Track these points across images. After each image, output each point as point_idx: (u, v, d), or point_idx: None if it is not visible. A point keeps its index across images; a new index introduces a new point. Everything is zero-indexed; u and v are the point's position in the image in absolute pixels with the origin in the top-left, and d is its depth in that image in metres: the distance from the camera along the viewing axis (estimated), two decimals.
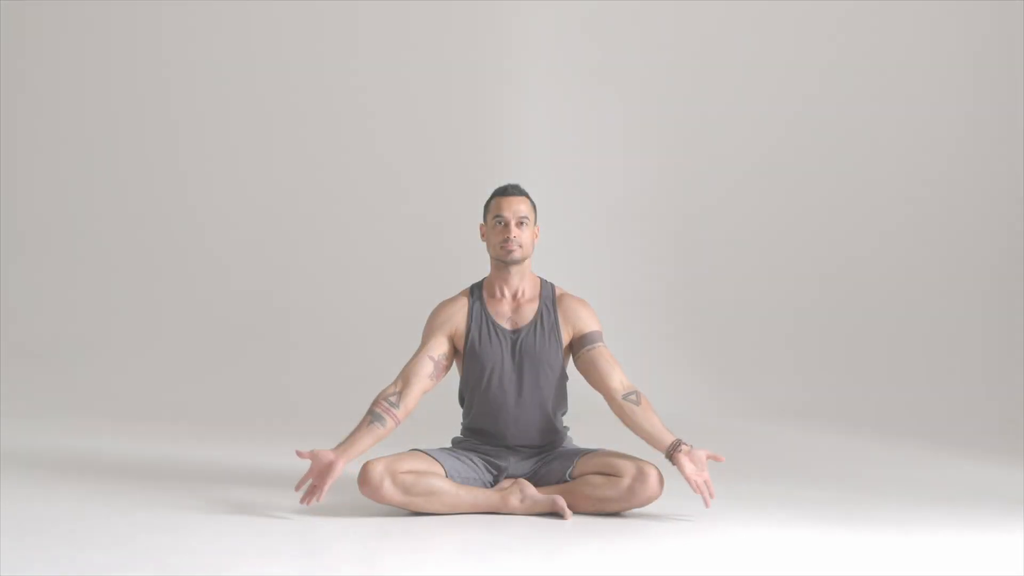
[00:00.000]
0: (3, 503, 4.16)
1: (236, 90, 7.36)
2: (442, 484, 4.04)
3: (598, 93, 7.45)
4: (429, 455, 4.12)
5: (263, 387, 6.80)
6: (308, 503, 3.96)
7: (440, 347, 4.20)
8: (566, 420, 4.37)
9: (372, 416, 4.06)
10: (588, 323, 4.24)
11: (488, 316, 4.21)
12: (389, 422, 4.06)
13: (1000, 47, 7.37)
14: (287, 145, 7.36)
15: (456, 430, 4.41)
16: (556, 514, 4.06)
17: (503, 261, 4.21)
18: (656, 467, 4.10)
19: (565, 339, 4.23)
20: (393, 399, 4.09)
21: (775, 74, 7.44)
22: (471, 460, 4.18)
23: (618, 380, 4.16)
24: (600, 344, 4.21)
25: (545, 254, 7.33)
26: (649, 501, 4.07)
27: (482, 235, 4.27)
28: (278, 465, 4.94)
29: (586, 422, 5.26)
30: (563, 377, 4.25)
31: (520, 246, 4.19)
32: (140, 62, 7.32)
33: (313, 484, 3.95)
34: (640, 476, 4.06)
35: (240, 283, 7.22)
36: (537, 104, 7.43)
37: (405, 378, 4.14)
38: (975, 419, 6.54)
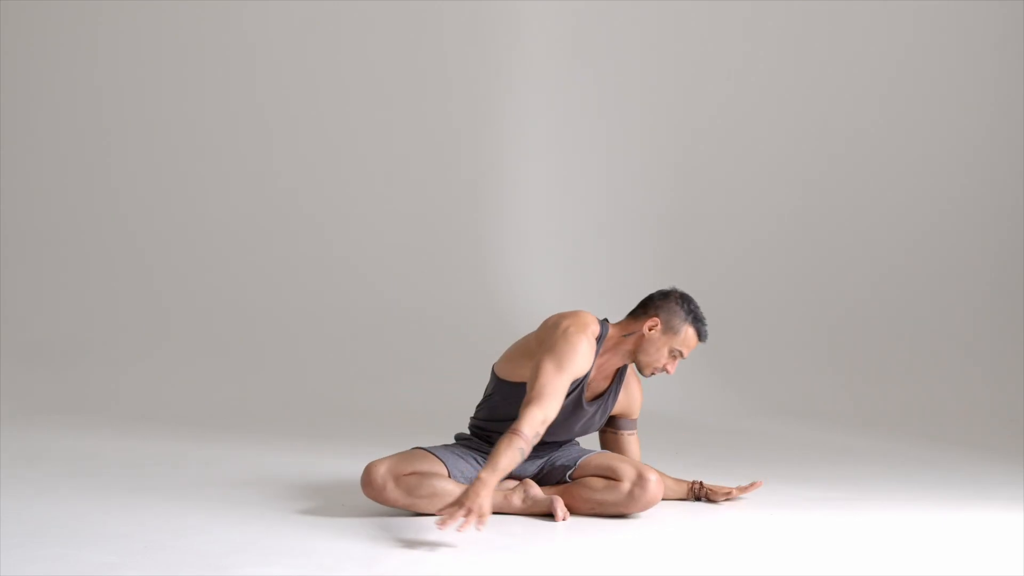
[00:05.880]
0: (3, 503, 4.16)
1: (237, 90, 7.35)
2: (445, 485, 4.00)
3: (602, 94, 7.45)
4: (432, 454, 4.09)
5: (264, 387, 6.80)
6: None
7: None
8: None
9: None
10: (635, 409, 4.32)
11: (587, 377, 4.10)
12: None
13: (1011, 50, 7.37)
14: (288, 145, 7.35)
15: (457, 428, 4.40)
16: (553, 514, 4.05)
17: (641, 374, 4.21)
18: (656, 472, 4.09)
19: (615, 410, 4.28)
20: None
21: (778, 77, 7.44)
22: (475, 460, 4.16)
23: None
24: (634, 433, 4.33)
25: (546, 255, 7.37)
26: (648, 507, 4.06)
27: (650, 328, 4.14)
28: (279, 465, 4.94)
29: None
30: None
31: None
32: (140, 62, 7.31)
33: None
34: (640, 481, 4.05)
35: (241, 283, 7.21)
36: (539, 104, 7.42)
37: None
38: (975, 419, 6.54)
